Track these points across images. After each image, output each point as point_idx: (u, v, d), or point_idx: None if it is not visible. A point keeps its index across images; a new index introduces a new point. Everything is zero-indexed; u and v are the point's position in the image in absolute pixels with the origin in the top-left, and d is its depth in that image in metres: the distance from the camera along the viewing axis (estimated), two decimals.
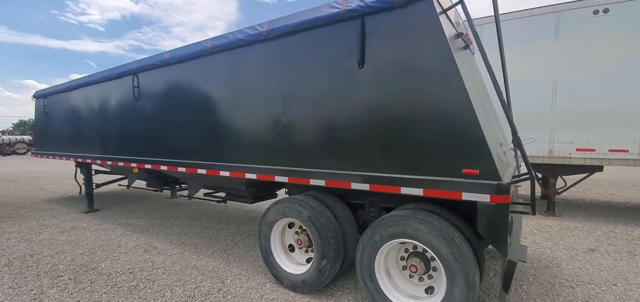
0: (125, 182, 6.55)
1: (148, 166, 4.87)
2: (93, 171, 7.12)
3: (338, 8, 2.79)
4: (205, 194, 4.92)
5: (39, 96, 7.60)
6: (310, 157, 3.12)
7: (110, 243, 4.78)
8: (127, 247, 4.62)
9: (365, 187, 2.75)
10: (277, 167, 3.35)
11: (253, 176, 3.53)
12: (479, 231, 2.34)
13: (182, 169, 4.34)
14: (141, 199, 8.17)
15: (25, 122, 64.15)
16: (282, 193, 4.34)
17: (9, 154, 31.91)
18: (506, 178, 2.29)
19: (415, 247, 2.75)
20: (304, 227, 3.30)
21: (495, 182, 2.19)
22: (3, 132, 36.70)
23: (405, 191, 2.56)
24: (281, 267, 3.42)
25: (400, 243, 2.74)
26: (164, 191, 6.97)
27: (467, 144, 2.29)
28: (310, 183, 3.11)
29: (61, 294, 3.27)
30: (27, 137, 34.94)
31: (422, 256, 2.69)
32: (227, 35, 3.64)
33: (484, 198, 2.22)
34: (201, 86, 4.11)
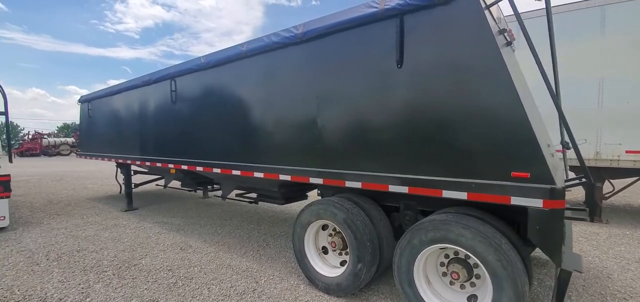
0: (161, 182, 6.80)
1: (185, 167, 5.04)
2: (132, 172, 7.46)
3: (376, 7, 2.74)
4: (237, 195, 5.02)
5: (84, 101, 8.06)
6: (346, 158, 3.09)
7: (149, 241, 4.97)
8: (164, 245, 4.78)
9: (404, 189, 2.68)
10: (311, 168, 3.34)
11: (287, 178, 3.55)
12: (531, 238, 2.20)
13: (217, 170, 4.44)
14: (175, 198, 8.47)
15: (68, 125, 68.43)
16: (312, 194, 4.34)
17: (54, 155, 34.26)
18: (559, 182, 2.15)
19: (456, 253, 2.64)
20: (338, 230, 3.27)
21: (548, 186, 2.05)
22: (49, 135, 39.45)
23: (447, 194, 2.47)
24: (315, 270, 3.40)
25: (441, 248, 2.64)
26: (197, 191, 7.19)
27: (517, 145, 2.17)
28: (346, 185, 3.08)
29: (106, 289, 3.43)
30: (70, 140, 37.45)
31: (464, 262, 2.58)
32: (263, 39, 3.68)
33: (536, 203, 2.09)
34: (236, 89, 4.18)
